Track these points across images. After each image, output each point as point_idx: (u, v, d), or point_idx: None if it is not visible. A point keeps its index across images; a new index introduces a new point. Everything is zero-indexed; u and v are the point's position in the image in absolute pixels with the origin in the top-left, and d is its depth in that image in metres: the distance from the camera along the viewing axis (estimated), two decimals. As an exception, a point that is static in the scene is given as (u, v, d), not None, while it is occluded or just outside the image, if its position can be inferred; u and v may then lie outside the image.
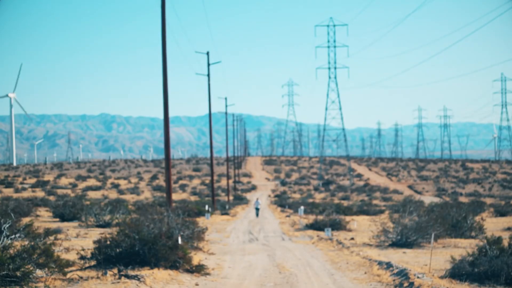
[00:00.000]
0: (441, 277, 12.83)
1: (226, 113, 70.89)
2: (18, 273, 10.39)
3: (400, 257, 17.53)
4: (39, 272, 11.23)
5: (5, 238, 11.60)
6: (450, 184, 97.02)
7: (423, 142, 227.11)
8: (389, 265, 14.97)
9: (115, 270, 12.61)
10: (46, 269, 11.25)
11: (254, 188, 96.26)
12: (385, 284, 13.28)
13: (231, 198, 66.71)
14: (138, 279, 12.16)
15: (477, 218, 25.97)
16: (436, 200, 64.18)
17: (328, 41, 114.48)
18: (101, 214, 27.01)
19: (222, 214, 43.88)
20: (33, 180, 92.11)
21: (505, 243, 12.87)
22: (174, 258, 13.85)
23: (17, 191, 70.67)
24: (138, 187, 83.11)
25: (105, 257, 13.37)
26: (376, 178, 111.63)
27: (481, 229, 23.44)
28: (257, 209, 42.85)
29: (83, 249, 14.09)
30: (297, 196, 79.66)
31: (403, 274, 13.52)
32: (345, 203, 58.33)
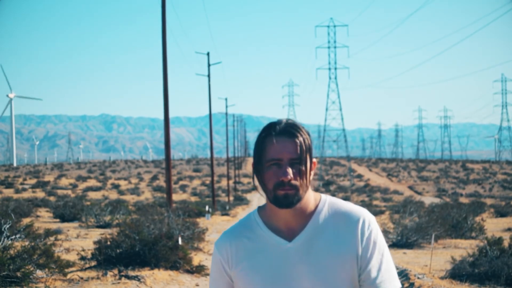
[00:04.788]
0: (442, 278, 12.84)
1: (226, 113, 70.93)
2: (18, 274, 10.39)
3: (400, 258, 17.54)
4: (39, 273, 11.23)
5: (6, 239, 11.61)
6: (451, 184, 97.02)
7: (423, 142, 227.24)
8: (389, 266, 14.96)
9: (116, 271, 12.62)
10: (47, 269, 11.25)
11: (254, 188, 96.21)
12: (386, 284, 13.26)
13: (231, 198, 66.74)
14: (139, 280, 12.17)
15: (478, 218, 25.97)
16: (437, 200, 64.20)
17: (329, 42, 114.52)
18: (101, 215, 27.00)
19: (223, 214, 43.89)
20: (34, 181, 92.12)
21: (506, 243, 12.87)
22: (174, 258, 13.85)
23: (17, 191, 70.66)
24: (139, 188, 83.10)
25: (106, 258, 13.37)
26: (377, 179, 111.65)
27: (481, 230, 23.45)
28: None
29: (83, 250, 14.10)
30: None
31: (403, 274, 13.53)
32: (346, 203, 58.28)
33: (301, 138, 2.51)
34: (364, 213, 2.58)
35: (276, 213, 2.57)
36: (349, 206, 2.60)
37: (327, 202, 2.62)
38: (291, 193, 2.48)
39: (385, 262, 2.56)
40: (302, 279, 2.52)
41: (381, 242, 2.58)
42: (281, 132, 2.52)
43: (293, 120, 2.57)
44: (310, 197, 2.59)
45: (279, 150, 2.49)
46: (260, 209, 2.68)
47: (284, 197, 2.48)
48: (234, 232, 2.66)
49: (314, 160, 2.56)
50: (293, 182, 2.48)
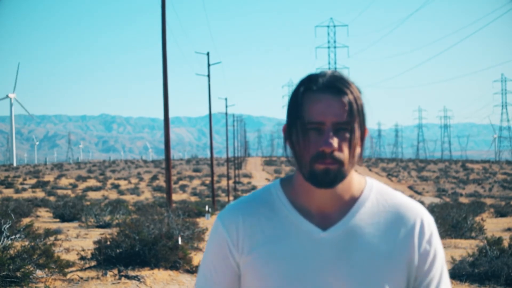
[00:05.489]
0: (441, 278, 12.84)
1: (226, 113, 71.00)
2: (18, 274, 10.40)
3: (400, 258, 17.52)
4: (39, 273, 11.24)
5: (5, 239, 11.61)
6: (450, 184, 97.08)
7: (423, 142, 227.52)
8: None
9: (115, 271, 12.62)
10: (46, 269, 11.26)
11: (254, 188, 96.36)
12: (385, 284, 13.25)
13: (231, 198, 66.77)
14: (138, 280, 12.17)
15: (477, 218, 25.98)
16: (437, 200, 64.24)
17: (328, 42, 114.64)
18: (101, 215, 27.01)
19: (222, 214, 43.89)
20: (33, 181, 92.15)
21: (505, 243, 12.88)
22: (174, 258, 13.86)
23: (17, 191, 70.69)
24: (138, 188, 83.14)
25: (105, 258, 13.38)
26: (377, 179, 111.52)
27: (481, 230, 23.46)
28: None
29: (83, 250, 14.10)
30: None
31: (403, 274, 13.52)
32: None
33: (351, 96, 1.86)
34: (423, 212, 1.99)
35: (308, 193, 1.94)
36: (403, 199, 2.00)
37: (374, 188, 2.00)
38: (333, 169, 1.85)
39: (444, 276, 2.01)
40: (335, 279, 1.91)
41: (441, 251, 2.01)
42: (325, 87, 1.87)
43: (340, 73, 1.90)
44: (354, 179, 1.97)
45: (321, 111, 1.84)
46: (284, 182, 2.05)
47: (324, 173, 1.85)
48: (249, 207, 2.01)
49: (366, 127, 1.93)
50: (337, 154, 1.84)
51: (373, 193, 1.98)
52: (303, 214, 1.95)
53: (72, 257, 14.76)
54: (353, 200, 1.96)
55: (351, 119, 1.85)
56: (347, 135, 1.86)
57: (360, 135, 1.89)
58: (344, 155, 1.85)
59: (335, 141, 1.83)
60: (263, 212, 1.98)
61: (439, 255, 1.99)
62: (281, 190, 2.01)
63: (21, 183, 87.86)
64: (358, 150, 1.90)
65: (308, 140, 1.86)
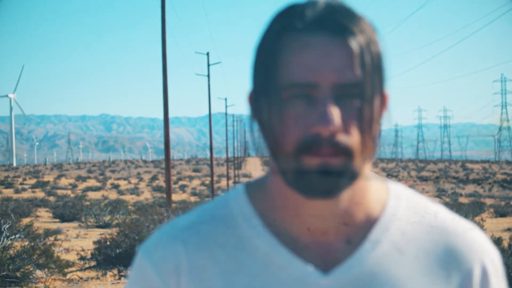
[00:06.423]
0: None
1: (226, 113, 71.05)
2: (18, 274, 10.41)
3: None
4: (39, 273, 11.25)
5: (5, 239, 11.61)
6: (450, 184, 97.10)
7: (423, 142, 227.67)
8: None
9: (115, 271, 12.63)
10: (46, 269, 11.26)
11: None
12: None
13: (231, 198, 66.77)
14: (138, 280, 12.18)
15: (477, 218, 26.00)
16: (436, 200, 64.18)
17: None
18: (101, 215, 27.02)
19: (222, 214, 43.93)
20: (33, 181, 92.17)
21: (505, 243, 12.90)
22: (174, 258, 13.86)
23: (17, 191, 70.67)
24: (138, 188, 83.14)
25: (105, 258, 13.38)
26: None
27: (481, 230, 23.47)
28: None
29: (83, 250, 14.11)
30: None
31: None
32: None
33: (361, 38, 1.00)
34: (486, 248, 1.18)
35: (294, 206, 1.06)
36: (454, 220, 1.17)
37: (404, 200, 1.14)
38: (336, 164, 1.00)
39: None
40: None
41: None
42: (317, 24, 1.00)
43: (339, 1, 1.02)
44: (371, 184, 1.16)
45: (311, 65, 0.98)
46: (251, 189, 1.14)
47: (319, 171, 0.99)
48: (195, 233, 1.11)
49: (386, 92, 1.06)
50: (342, 138, 0.99)
51: (403, 205, 1.14)
52: (287, 242, 1.07)
53: (72, 257, 14.76)
54: (371, 219, 1.10)
55: (364, 79, 1.00)
56: (359, 105, 1.00)
57: (379, 105, 1.03)
58: (354, 139, 1.00)
59: (337, 116, 0.98)
60: (219, 240, 1.09)
61: None
62: (247, 202, 1.12)
63: (21, 183, 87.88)
64: (376, 130, 1.04)
65: (290, 116, 1.00)
